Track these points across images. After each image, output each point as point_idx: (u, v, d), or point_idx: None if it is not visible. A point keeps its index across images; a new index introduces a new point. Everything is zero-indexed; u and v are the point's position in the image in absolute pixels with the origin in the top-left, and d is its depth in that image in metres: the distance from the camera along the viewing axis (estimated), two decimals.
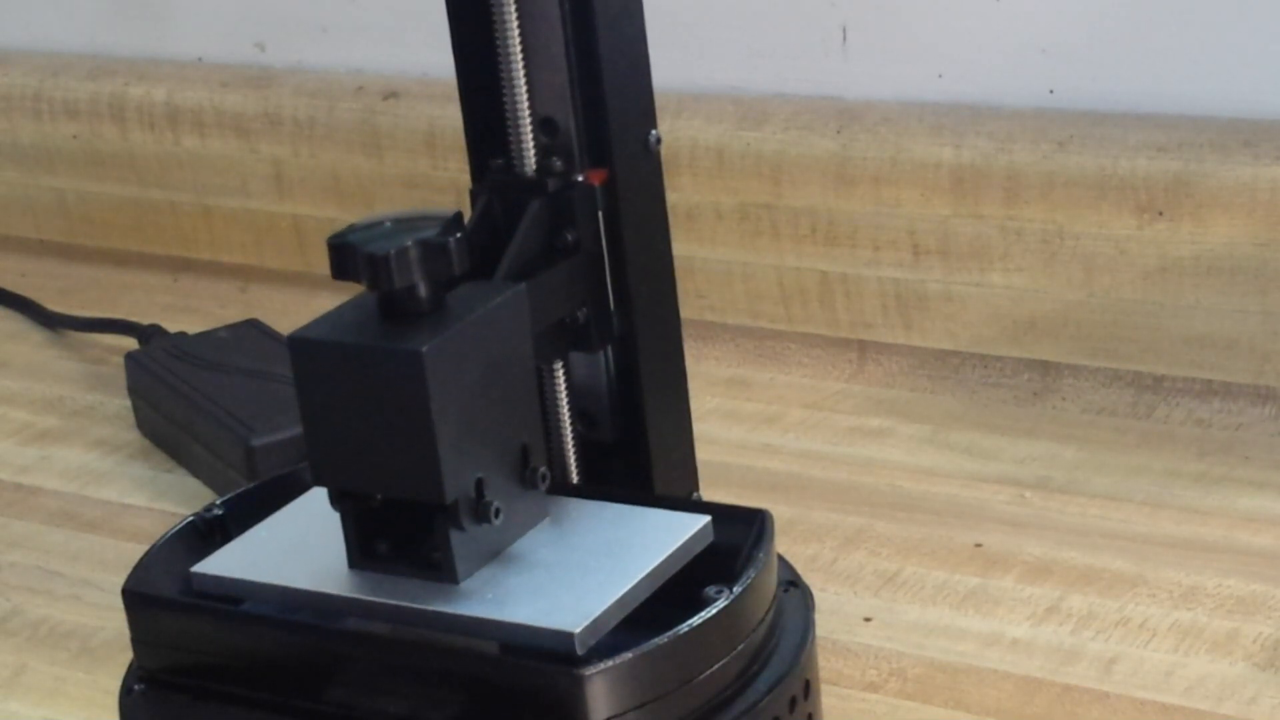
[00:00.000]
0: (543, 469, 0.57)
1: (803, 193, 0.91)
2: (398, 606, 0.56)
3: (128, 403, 0.92)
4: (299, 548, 0.59)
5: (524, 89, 0.60)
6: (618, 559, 0.57)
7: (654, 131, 0.62)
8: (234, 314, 1.00)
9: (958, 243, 0.88)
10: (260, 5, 1.11)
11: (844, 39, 0.94)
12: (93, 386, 0.97)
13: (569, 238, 0.60)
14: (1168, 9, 0.86)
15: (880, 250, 0.90)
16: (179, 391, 0.87)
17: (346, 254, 0.55)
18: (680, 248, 0.66)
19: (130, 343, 0.96)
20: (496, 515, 0.56)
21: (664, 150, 0.62)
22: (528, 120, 0.60)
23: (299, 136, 1.05)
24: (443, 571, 0.56)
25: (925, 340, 0.90)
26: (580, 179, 0.60)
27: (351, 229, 0.55)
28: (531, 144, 0.60)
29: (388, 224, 0.56)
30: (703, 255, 0.94)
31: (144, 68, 1.12)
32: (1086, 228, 0.85)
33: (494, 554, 0.57)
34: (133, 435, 0.91)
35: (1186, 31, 0.86)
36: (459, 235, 0.55)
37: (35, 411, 0.95)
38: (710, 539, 0.58)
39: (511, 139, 0.60)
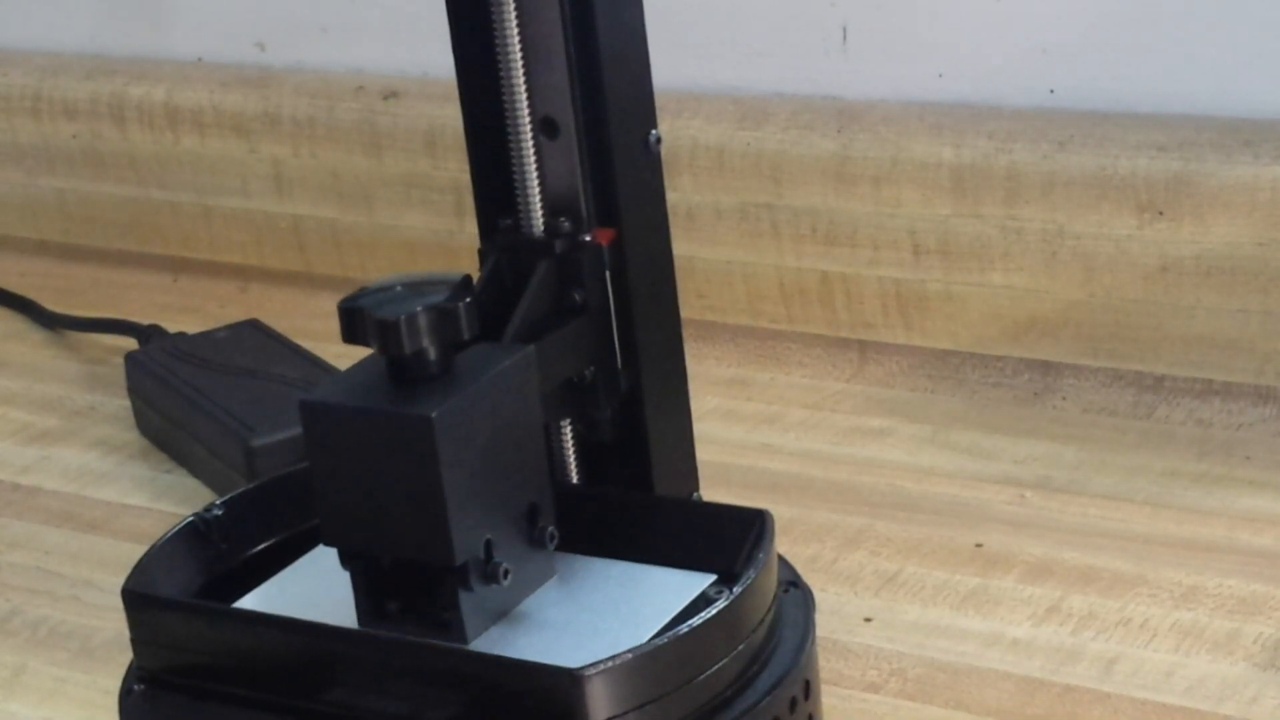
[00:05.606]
0: (551, 528, 0.58)
1: (803, 193, 0.91)
2: None
3: (128, 403, 0.92)
4: (310, 604, 0.59)
5: (524, 89, 0.60)
6: (625, 619, 0.57)
7: (654, 131, 0.62)
8: (234, 314, 1.01)
9: (958, 243, 0.88)
10: (260, 5, 1.11)
11: (844, 39, 0.94)
12: (93, 386, 0.97)
13: (577, 298, 0.61)
14: (1168, 9, 0.86)
15: (880, 250, 0.90)
16: (179, 391, 0.87)
17: (357, 318, 0.55)
18: (680, 248, 0.66)
19: (130, 343, 0.96)
20: (505, 576, 0.56)
21: (664, 150, 0.62)
22: (529, 130, 0.60)
23: (299, 136, 1.05)
24: (452, 632, 0.56)
25: (925, 340, 0.90)
26: (588, 239, 0.61)
27: (362, 292, 0.56)
28: (540, 204, 0.60)
29: (398, 287, 0.56)
30: (703, 255, 0.94)
31: (144, 68, 1.12)
32: (1087, 228, 0.85)
33: (502, 613, 0.57)
34: (133, 435, 0.91)
35: (1186, 31, 0.86)
36: (468, 300, 0.55)
37: (35, 411, 0.95)
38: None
39: (513, 146, 0.60)
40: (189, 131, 1.09)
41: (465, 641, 0.56)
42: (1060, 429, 0.84)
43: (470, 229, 0.61)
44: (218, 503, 0.63)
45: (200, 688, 0.57)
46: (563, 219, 0.60)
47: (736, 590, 0.55)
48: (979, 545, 0.75)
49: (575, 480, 0.63)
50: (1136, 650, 0.68)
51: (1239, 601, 0.70)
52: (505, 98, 0.60)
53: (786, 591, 0.59)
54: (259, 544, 0.63)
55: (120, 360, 0.94)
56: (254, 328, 0.94)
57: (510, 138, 0.60)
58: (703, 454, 0.66)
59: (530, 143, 0.60)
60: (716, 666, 0.55)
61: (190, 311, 1.04)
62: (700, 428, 0.66)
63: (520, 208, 0.61)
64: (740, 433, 0.86)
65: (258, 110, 1.07)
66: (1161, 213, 0.83)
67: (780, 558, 0.59)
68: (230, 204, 1.09)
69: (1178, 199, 0.83)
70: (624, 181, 0.61)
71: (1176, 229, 0.83)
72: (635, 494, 0.63)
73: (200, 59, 1.13)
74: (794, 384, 0.90)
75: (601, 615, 0.58)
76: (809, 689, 0.57)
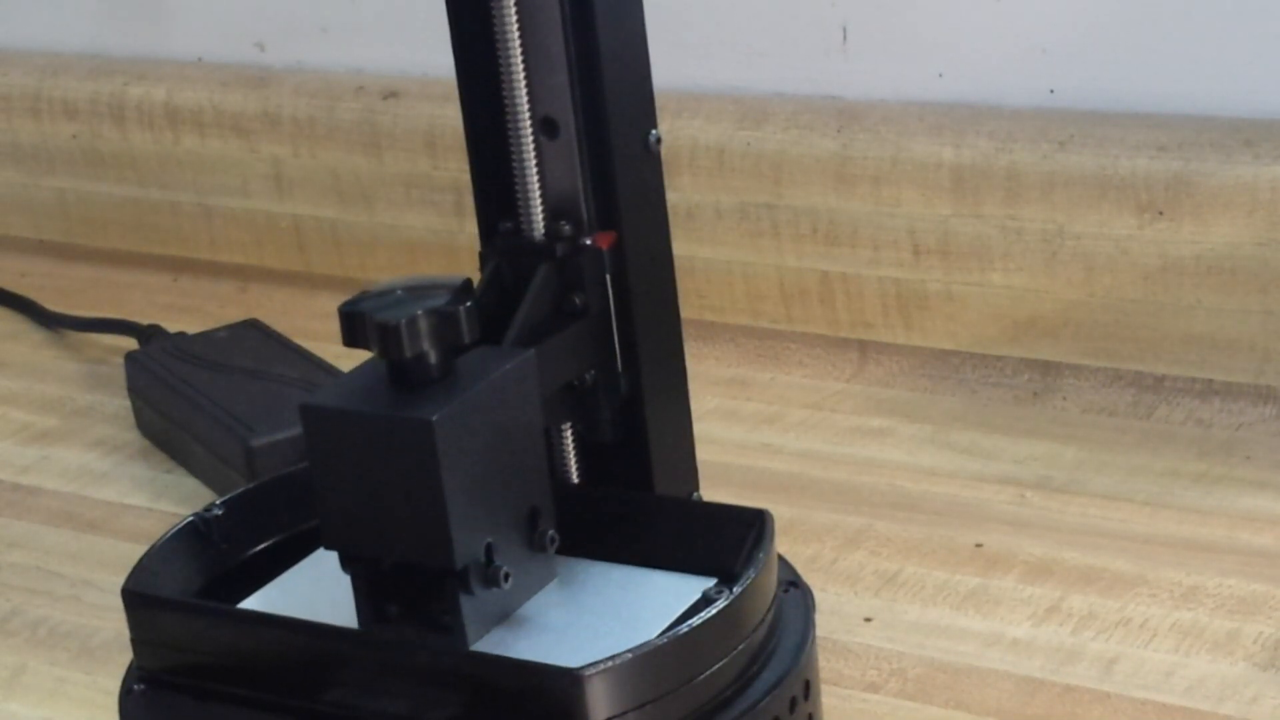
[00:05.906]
0: (551, 532, 0.58)
1: (803, 192, 0.91)
2: None
3: (128, 403, 0.92)
4: (311, 607, 0.59)
5: (524, 89, 0.60)
6: (626, 623, 0.57)
7: (654, 131, 0.62)
8: (234, 314, 1.01)
9: (958, 243, 0.88)
10: (260, 5, 1.11)
11: (844, 39, 0.94)
12: (93, 386, 0.97)
13: (577, 302, 0.61)
14: (1168, 9, 0.86)
15: (880, 250, 0.90)
16: (179, 391, 0.87)
17: (357, 322, 0.55)
18: (680, 248, 0.66)
19: (130, 343, 0.96)
20: (506, 580, 0.56)
21: (664, 150, 0.62)
22: (529, 131, 0.60)
23: (299, 136, 1.05)
24: (453, 635, 0.56)
25: (925, 340, 0.90)
26: (588, 242, 0.61)
27: (363, 296, 0.56)
28: (540, 206, 0.61)
29: (399, 292, 0.56)
30: (703, 255, 0.94)
31: (144, 68, 1.12)
32: (1087, 228, 0.85)
33: (503, 616, 0.57)
34: (133, 435, 0.91)
35: (1186, 31, 0.86)
36: (469, 304, 0.55)
37: (35, 411, 0.95)
38: None
39: (513, 147, 0.60)
40: (189, 131, 1.09)
41: (466, 645, 0.56)
42: (1060, 429, 0.84)
43: (470, 229, 0.61)
44: (218, 503, 0.63)
45: (200, 688, 0.57)
46: (563, 222, 0.60)
47: (736, 590, 0.55)
48: (979, 545, 0.75)
49: (575, 480, 0.63)
50: (1136, 650, 0.68)
51: (1239, 601, 0.70)
52: (505, 98, 0.60)
53: (786, 591, 0.59)
54: (259, 544, 0.63)
55: (120, 360, 0.94)
56: (254, 328, 0.94)
57: (510, 138, 0.60)
58: (703, 454, 0.66)
59: (530, 143, 0.60)
60: (716, 666, 0.55)
61: (190, 311, 1.04)
62: (700, 428, 0.66)
63: (521, 210, 0.61)
64: (740, 433, 0.86)
65: (258, 110, 1.07)
66: (1161, 213, 0.83)
67: (780, 558, 0.59)
68: (230, 204, 1.09)
69: (1178, 199, 0.83)
70: (624, 182, 0.61)
71: (1176, 229, 0.83)
72: (635, 495, 0.63)
73: (200, 59, 1.13)
74: (794, 384, 0.90)
75: (602, 619, 0.58)
76: (809, 689, 0.57)
